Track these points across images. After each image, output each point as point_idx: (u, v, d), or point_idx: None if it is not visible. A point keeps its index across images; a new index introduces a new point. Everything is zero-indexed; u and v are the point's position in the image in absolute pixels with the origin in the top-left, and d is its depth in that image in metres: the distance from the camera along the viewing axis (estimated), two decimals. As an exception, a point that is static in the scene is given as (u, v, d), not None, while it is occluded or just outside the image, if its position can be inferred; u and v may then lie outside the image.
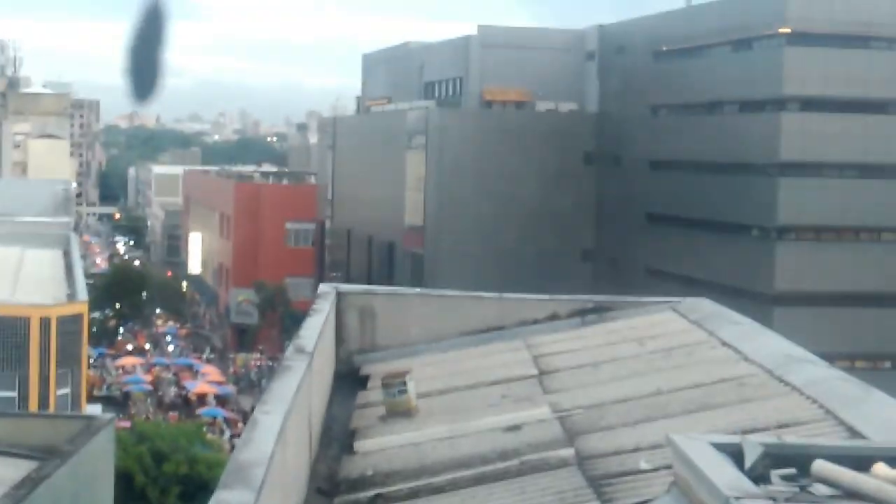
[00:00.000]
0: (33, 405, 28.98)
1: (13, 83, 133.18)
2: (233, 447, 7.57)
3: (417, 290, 18.92)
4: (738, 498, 6.13)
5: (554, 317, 15.32)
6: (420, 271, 69.38)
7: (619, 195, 68.59)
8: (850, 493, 6.50)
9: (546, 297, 15.97)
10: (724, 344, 12.23)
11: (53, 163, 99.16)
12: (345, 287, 16.25)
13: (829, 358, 12.10)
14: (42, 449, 16.18)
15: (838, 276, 55.04)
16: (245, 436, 7.72)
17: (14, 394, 29.17)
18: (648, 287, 45.14)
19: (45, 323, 29.60)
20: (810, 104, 55.57)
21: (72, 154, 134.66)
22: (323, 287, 15.89)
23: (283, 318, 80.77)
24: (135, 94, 6.13)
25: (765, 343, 11.82)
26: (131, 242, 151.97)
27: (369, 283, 41.11)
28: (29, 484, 14.46)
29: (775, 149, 55.41)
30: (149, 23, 5.95)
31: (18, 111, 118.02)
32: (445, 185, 69.78)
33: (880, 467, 6.74)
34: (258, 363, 76.86)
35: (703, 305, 14.46)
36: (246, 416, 35.97)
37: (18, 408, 28.45)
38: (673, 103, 65.08)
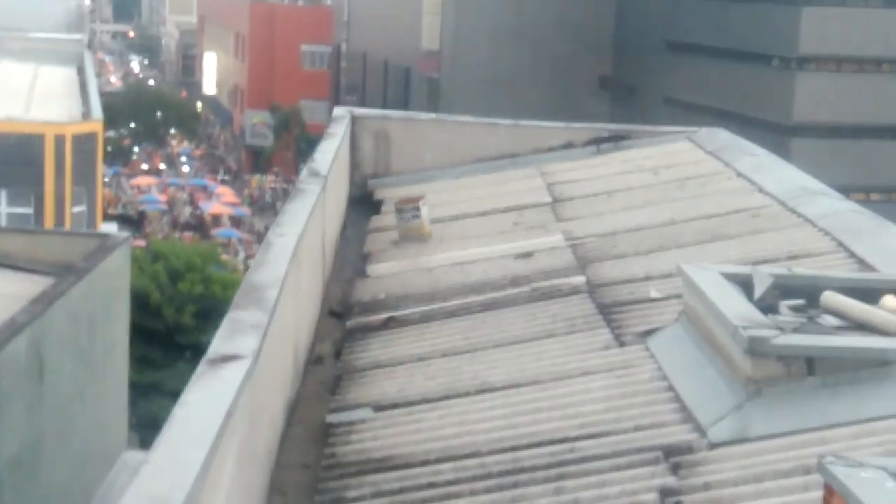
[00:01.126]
0: (49, 222, 29.16)
1: None
2: (247, 268, 7.66)
3: (433, 115, 18.83)
4: (745, 327, 6.18)
5: (569, 145, 15.26)
6: (436, 96, 68.85)
7: (639, 22, 67.59)
8: (858, 325, 6.55)
9: (562, 125, 15.88)
10: (739, 175, 12.19)
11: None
12: (360, 111, 16.18)
13: (845, 190, 12.07)
14: (58, 265, 16.35)
15: (858, 107, 54.48)
16: (258, 257, 7.75)
17: (30, 210, 29.35)
18: (666, 116, 44.81)
19: (59, 140, 29.59)
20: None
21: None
22: (338, 111, 15.82)
23: (298, 141, 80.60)
24: None
25: (780, 175, 11.78)
26: (146, 61, 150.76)
27: (384, 108, 40.86)
28: (46, 299, 14.64)
29: (799, -23, 54.35)
30: None
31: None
32: (463, 8, 68.77)
33: (888, 299, 6.79)
34: (273, 185, 77.02)
35: (720, 136, 14.37)
36: (260, 238, 36.18)
37: (34, 225, 28.65)
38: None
